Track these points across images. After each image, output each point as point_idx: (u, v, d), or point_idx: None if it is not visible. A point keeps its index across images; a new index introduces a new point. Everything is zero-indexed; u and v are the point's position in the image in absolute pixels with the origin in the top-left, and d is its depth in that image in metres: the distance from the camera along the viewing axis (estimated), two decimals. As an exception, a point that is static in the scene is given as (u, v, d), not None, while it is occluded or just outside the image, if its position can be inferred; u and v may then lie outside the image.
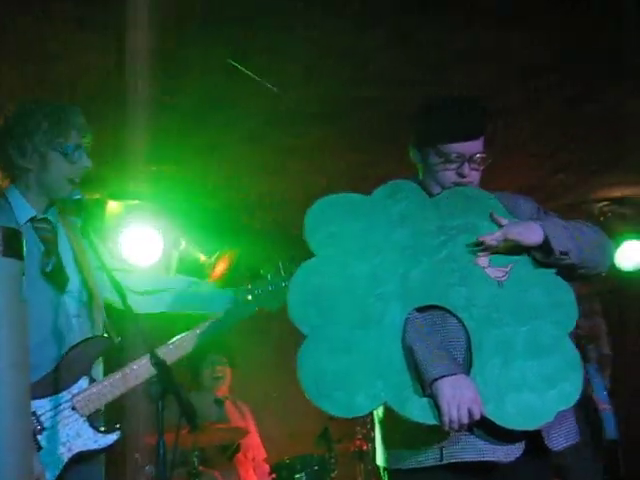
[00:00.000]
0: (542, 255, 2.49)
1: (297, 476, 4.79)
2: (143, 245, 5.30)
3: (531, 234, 2.48)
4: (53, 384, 2.59)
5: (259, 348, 6.08)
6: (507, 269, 2.49)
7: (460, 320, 2.45)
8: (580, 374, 2.43)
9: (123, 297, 2.50)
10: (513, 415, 2.36)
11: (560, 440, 2.49)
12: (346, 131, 4.47)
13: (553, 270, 2.51)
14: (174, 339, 2.85)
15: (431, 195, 2.59)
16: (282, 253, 3.18)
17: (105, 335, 2.78)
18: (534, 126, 4.61)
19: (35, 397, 2.56)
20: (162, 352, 2.72)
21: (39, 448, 2.53)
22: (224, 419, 5.21)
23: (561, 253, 2.46)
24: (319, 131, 4.47)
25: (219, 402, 5.27)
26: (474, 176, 2.57)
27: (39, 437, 2.55)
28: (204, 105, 4.17)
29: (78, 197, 2.72)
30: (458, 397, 2.29)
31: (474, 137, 2.53)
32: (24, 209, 2.74)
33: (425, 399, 2.35)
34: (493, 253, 2.50)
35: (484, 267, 2.49)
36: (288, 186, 5.19)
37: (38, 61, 3.67)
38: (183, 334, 2.87)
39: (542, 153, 5.02)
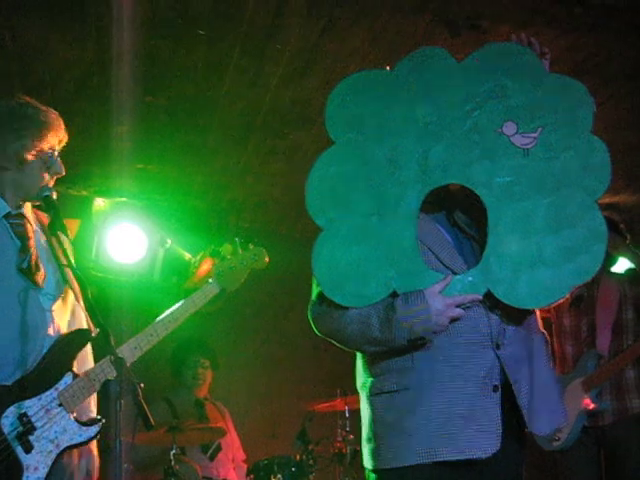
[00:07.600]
0: None
1: (274, 477, 4.78)
2: (129, 243, 5.32)
3: None
4: (40, 382, 2.62)
5: (241, 348, 6.09)
6: (536, 134, 2.34)
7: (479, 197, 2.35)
8: (603, 247, 2.30)
9: (85, 292, 2.51)
10: (525, 295, 2.31)
11: (543, 424, 2.44)
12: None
13: (588, 129, 2.33)
14: (146, 329, 2.81)
15: None
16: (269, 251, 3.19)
17: (83, 328, 2.77)
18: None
19: (25, 397, 2.59)
20: (132, 343, 2.74)
21: (30, 448, 2.56)
22: (205, 419, 5.22)
23: None
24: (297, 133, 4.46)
25: (199, 403, 5.29)
26: None
27: (30, 437, 2.56)
28: (186, 106, 4.19)
29: (47, 194, 2.72)
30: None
31: None
32: None
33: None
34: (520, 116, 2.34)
35: (510, 135, 2.35)
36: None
37: (19, 57, 3.70)
38: (153, 323, 2.83)
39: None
